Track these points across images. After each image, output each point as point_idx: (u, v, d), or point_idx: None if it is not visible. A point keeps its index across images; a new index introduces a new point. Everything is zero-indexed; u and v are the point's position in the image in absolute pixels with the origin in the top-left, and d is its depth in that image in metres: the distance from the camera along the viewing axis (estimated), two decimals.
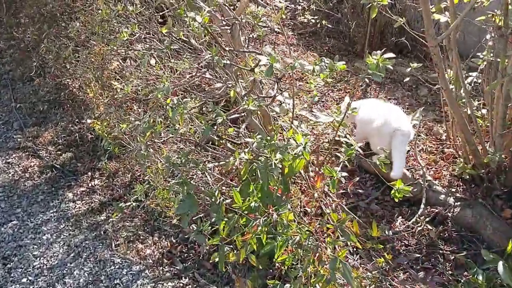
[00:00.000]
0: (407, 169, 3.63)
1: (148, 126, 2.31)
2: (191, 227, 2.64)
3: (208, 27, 2.00)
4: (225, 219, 2.32)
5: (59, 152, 4.11)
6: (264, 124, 2.78)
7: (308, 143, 2.32)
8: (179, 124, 2.14)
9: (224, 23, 2.35)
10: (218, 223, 2.32)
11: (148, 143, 2.46)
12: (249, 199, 2.57)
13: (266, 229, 2.39)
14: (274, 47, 5.25)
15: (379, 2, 2.45)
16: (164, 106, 2.18)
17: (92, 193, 3.71)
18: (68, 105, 4.23)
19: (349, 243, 2.49)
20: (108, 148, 2.79)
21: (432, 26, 2.93)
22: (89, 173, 3.89)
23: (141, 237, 3.27)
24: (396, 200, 2.66)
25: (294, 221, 2.49)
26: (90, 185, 3.78)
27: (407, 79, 4.29)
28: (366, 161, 3.61)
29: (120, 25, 2.34)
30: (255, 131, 2.71)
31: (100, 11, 2.42)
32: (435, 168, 3.71)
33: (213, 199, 2.35)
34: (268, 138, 2.18)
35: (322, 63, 2.23)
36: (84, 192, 3.71)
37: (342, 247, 2.24)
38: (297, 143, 2.34)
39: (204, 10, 1.98)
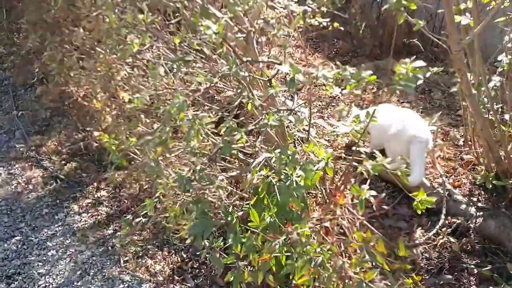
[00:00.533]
0: (426, 178, 3.49)
1: (160, 141, 2.17)
2: (203, 243, 2.49)
3: (224, 37, 1.86)
4: (243, 241, 2.18)
5: (63, 162, 3.97)
6: (279, 134, 2.64)
7: (330, 158, 2.18)
8: (195, 141, 2.01)
9: (238, 30, 2.21)
10: (234, 244, 2.18)
11: (159, 157, 2.32)
12: (264, 214, 2.45)
13: (285, 249, 2.25)
14: (280, 49, 5.11)
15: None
16: (176, 120, 2.04)
17: (98, 205, 3.57)
18: (73, 114, 4.08)
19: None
20: (116, 162, 2.65)
21: (455, 30, 2.80)
22: (95, 184, 3.75)
23: (150, 252, 3.14)
24: (419, 212, 2.53)
25: (314, 239, 2.35)
26: (96, 196, 3.65)
27: (420, 81, 4.14)
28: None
29: (129, 34, 2.20)
30: (270, 142, 2.57)
31: (107, 19, 2.27)
32: (454, 176, 3.57)
33: (229, 218, 2.21)
34: (289, 153, 2.04)
35: (346, 72, 2.08)
36: (90, 204, 3.58)
37: (369, 269, 2.10)
38: (318, 158, 2.21)
39: (221, 18, 1.84)
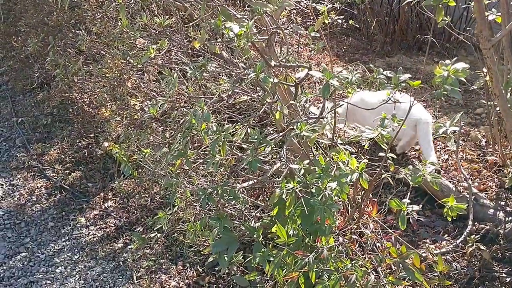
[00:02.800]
0: (450, 181, 3.33)
1: (179, 153, 1.99)
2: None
3: (253, 41, 1.69)
4: (270, 259, 2.02)
5: (68, 171, 3.79)
6: (302, 142, 2.47)
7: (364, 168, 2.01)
8: (220, 155, 1.84)
9: (261, 31, 2.03)
10: (263, 264, 2.01)
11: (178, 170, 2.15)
12: (287, 227, 2.28)
13: (316, 267, 2.09)
14: (288, 47, 4.93)
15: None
16: (196, 130, 1.86)
17: (106, 216, 3.39)
18: (77, 122, 3.89)
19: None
20: (128, 173, 2.47)
21: (486, 26, 2.63)
22: (102, 194, 3.57)
23: (164, 267, 2.96)
24: (449, 219, 2.37)
25: (344, 254, 2.19)
26: (103, 207, 3.47)
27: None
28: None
29: (143, 38, 2.02)
30: (294, 151, 2.40)
31: (119, 22, 2.10)
32: (479, 179, 3.41)
33: (255, 235, 2.04)
34: (323, 165, 1.87)
35: (380, 75, 1.92)
36: (97, 216, 3.40)
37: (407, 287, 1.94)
38: (349, 167, 2.04)
39: (248, 20, 1.67)
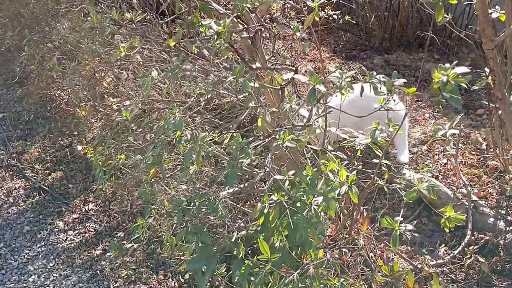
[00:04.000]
0: (448, 188, 3.17)
1: (153, 161, 1.82)
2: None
3: (230, 40, 1.51)
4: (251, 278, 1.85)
5: (48, 171, 3.60)
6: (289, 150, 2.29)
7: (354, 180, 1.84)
8: (195, 166, 1.67)
9: (245, 29, 1.85)
10: (243, 283, 1.84)
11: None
12: (273, 238, 2.11)
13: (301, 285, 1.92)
14: (284, 42, 4.75)
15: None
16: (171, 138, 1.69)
17: (86, 220, 3.22)
18: (55, 120, 3.69)
19: None
20: (102, 180, 2.30)
21: (489, 25, 2.45)
22: (82, 196, 3.39)
23: (144, 276, 2.79)
24: (447, 230, 2.21)
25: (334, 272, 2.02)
26: (83, 210, 3.29)
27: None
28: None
29: (115, 34, 1.84)
30: (283, 159, 2.22)
31: (90, 16, 1.91)
32: (479, 185, 3.24)
33: (235, 251, 1.87)
34: (308, 177, 1.69)
35: (373, 79, 1.74)
36: (76, 220, 3.22)
37: None
38: (339, 178, 1.87)
39: (225, 17, 1.49)
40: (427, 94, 4.14)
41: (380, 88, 1.77)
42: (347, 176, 1.87)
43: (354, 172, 1.85)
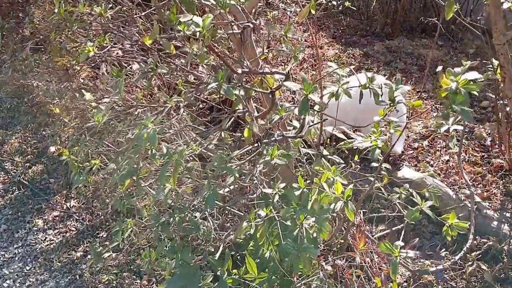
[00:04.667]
0: (450, 188, 2.99)
1: (128, 172, 1.64)
2: None
3: (209, 41, 1.30)
4: None
5: (28, 164, 3.41)
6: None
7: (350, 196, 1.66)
8: (171, 184, 1.48)
9: (232, 25, 1.64)
10: None
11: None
12: (262, 249, 1.94)
13: None
14: (281, 26, 4.51)
15: None
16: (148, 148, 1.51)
17: (67, 218, 3.04)
18: (31, 113, 3.48)
19: None
20: (79, 182, 2.11)
21: (501, 17, 2.25)
22: (64, 192, 3.20)
23: (127, 281, 2.63)
24: (449, 238, 2.05)
25: None
26: (65, 207, 3.11)
27: (440, 68, 3.56)
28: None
29: (83, 31, 1.64)
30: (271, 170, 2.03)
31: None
32: (483, 185, 3.06)
33: (218, 271, 1.70)
34: (300, 191, 1.51)
35: (374, 84, 1.54)
36: (57, 218, 3.04)
37: None
38: (333, 192, 1.69)
39: (207, 15, 1.28)
40: (430, 84, 3.94)
41: (382, 95, 1.57)
42: (343, 190, 1.68)
43: (351, 186, 1.66)
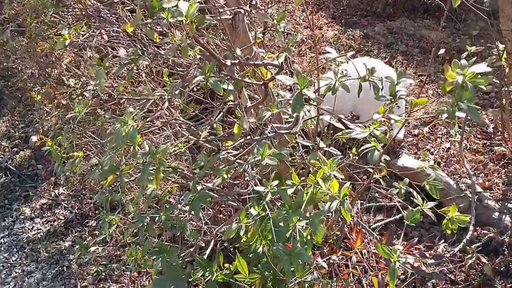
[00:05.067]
0: (450, 177, 2.90)
1: (109, 169, 1.53)
2: None
3: (196, 31, 1.18)
4: None
5: (16, 149, 3.29)
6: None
7: (347, 195, 1.56)
8: (155, 185, 1.38)
9: (220, 11, 1.51)
10: None
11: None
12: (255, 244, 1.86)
13: None
14: (279, 7, 4.35)
15: None
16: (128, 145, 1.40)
17: (55, 206, 2.94)
18: (15, 97, 3.35)
19: None
20: (62, 173, 2.01)
21: (509, 3, 2.12)
22: (52, 178, 3.10)
23: (116, 273, 2.55)
24: (449, 232, 1.97)
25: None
26: (53, 195, 3.01)
27: (442, 51, 3.43)
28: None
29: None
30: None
31: None
32: (484, 174, 2.97)
33: (207, 273, 1.61)
34: (294, 188, 1.41)
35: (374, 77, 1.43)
36: (45, 206, 2.95)
37: None
38: (328, 189, 1.59)
39: None
40: (432, 67, 3.82)
41: (382, 90, 1.45)
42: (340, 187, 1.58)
43: (348, 184, 1.56)
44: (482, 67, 1.46)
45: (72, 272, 2.55)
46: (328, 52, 2.13)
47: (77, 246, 2.68)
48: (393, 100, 1.41)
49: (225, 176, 1.34)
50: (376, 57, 4.00)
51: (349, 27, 4.23)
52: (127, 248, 2.47)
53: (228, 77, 1.32)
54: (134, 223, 1.58)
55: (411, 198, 2.21)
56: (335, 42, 3.98)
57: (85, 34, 1.48)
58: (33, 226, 2.83)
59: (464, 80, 1.40)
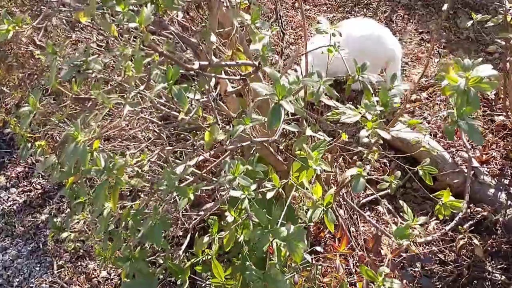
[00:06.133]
0: (446, 150, 2.75)
1: (67, 173, 1.38)
2: None
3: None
4: None
5: None
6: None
7: (332, 202, 1.42)
8: (112, 205, 1.23)
9: None
10: None
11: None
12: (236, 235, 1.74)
13: None
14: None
15: None
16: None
17: (31, 175, 2.80)
18: None
19: None
20: (26, 156, 1.86)
21: None
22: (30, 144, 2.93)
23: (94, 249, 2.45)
24: (441, 217, 1.88)
25: None
26: (29, 162, 2.86)
27: (445, 6, 3.18)
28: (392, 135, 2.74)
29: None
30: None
31: None
32: (482, 146, 2.82)
33: (179, 279, 1.50)
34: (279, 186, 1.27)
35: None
36: (21, 174, 2.80)
37: None
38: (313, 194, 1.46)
39: None
40: (434, 23, 3.57)
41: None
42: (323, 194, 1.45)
43: (332, 191, 1.42)
44: (488, 69, 1.28)
45: (48, 248, 2.45)
46: (319, 23, 1.93)
47: (55, 219, 2.55)
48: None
49: (191, 197, 1.19)
50: (375, 11, 3.74)
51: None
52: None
53: (193, 85, 1.14)
54: (96, 232, 1.45)
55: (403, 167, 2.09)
56: None
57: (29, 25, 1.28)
58: (9, 197, 2.69)
59: (467, 85, 1.23)
